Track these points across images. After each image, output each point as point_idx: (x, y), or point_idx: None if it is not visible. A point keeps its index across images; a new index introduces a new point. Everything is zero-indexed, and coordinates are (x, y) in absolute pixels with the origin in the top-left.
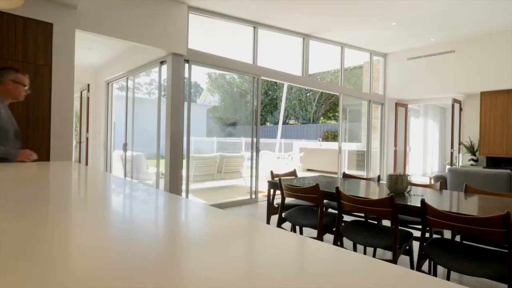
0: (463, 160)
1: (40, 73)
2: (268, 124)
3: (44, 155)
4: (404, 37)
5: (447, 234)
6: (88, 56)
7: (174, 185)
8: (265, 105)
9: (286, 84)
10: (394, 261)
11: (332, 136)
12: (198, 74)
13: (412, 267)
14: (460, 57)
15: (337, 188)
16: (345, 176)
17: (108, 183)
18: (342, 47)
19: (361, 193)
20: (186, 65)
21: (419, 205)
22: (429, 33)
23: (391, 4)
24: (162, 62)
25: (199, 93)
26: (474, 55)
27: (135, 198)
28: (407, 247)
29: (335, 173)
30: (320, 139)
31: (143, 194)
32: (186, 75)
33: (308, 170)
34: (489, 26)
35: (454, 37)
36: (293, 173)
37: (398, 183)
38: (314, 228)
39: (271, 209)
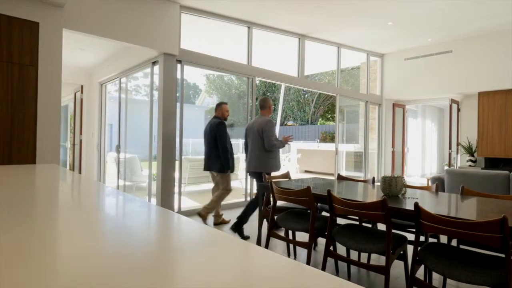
0: (461, 161)
1: (26, 73)
2: None
3: (30, 158)
4: (401, 37)
5: (444, 238)
6: (81, 57)
7: (166, 187)
8: None
9: (283, 85)
10: (387, 267)
11: (330, 137)
12: (196, 76)
13: (406, 273)
14: (458, 57)
15: (328, 191)
16: (340, 178)
17: (80, 189)
18: (338, 47)
19: (355, 196)
20: (179, 65)
21: (412, 208)
22: (426, 33)
23: (387, 4)
24: (154, 63)
25: (197, 95)
26: (471, 55)
27: (98, 207)
28: (402, 252)
29: (333, 174)
30: (318, 140)
31: (110, 200)
32: (179, 75)
33: (306, 171)
34: (487, 25)
35: (451, 37)
36: (287, 175)
37: (392, 186)
38: (307, 232)
39: (263, 213)
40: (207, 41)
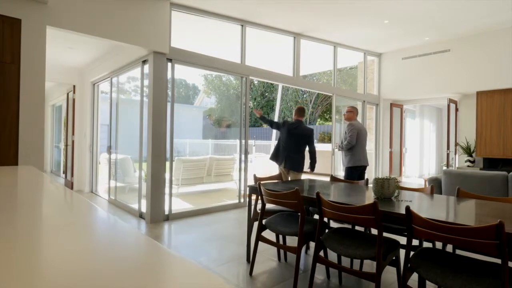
0: (459, 161)
1: (7, 72)
2: (264, 126)
3: (11, 159)
4: (398, 36)
5: (439, 242)
6: (72, 56)
7: (156, 189)
8: (262, 106)
9: (280, 85)
10: (377, 274)
11: (328, 137)
12: (194, 76)
13: (399, 281)
14: (456, 56)
15: (317, 194)
16: (333, 179)
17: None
18: (334, 46)
19: (347, 198)
20: (169, 64)
21: (404, 212)
22: (424, 32)
23: (382, 2)
24: (144, 62)
25: (196, 95)
26: (469, 54)
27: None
28: (394, 258)
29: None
30: (316, 140)
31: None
32: (170, 74)
33: (304, 172)
34: (485, 24)
35: (449, 36)
36: (278, 177)
37: (385, 188)
38: (296, 236)
39: (253, 215)
40: (200, 40)
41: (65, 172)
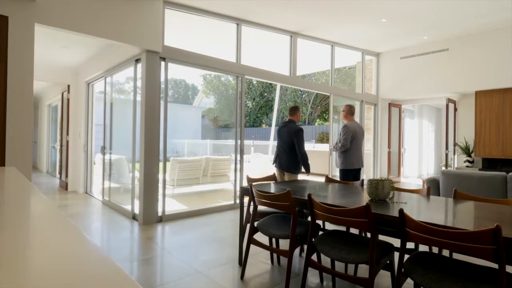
0: (458, 161)
1: None
2: (263, 126)
3: None
4: (396, 36)
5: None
6: (66, 55)
7: (149, 190)
8: (261, 106)
9: (279, 85)
10: (370, 279)
11: (327, 137)
12: (193, 76)
13: (393, 286)
14: (454, 55)
15: (309, 195)
16: (328, 180)
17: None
18: (332, 45)
19: (341, 200)
20: (163, 63)
21: (397, 215)
22: (422, 31)
23: (381, 1)
24: (137, 61)
25: (196, 95)
26: (468, 53)
27: None
28: (388, 262)
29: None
30: (314, 140)
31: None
32: (163, 73)
33: (302, 172)
34: (484, 23)
35: (447, 35)
36: (273, 177)
37: (379, 189)
38: (288, 239)
39: (246, 217)
40: (195, 40)
41: (60, 172)
